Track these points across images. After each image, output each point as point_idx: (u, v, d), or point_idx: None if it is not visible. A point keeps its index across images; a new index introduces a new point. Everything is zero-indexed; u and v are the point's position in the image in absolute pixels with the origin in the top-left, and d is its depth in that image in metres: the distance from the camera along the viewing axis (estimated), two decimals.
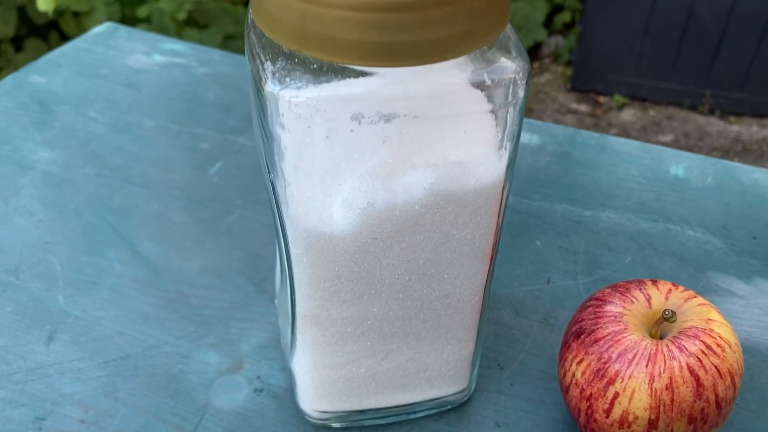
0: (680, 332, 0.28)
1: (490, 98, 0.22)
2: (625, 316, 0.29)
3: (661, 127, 1.79)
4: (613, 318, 0.29)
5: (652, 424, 0.27)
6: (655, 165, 0.50)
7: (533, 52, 2.04)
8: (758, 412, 0.34)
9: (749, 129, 1.79)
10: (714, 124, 1.80)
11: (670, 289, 0.30)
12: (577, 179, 0.49)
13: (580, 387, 0.29)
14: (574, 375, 0.29)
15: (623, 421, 0.28)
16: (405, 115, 0.22)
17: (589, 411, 0.29)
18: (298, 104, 0.21)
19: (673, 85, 1.82)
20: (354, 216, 0.24)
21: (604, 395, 0.28)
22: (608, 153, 0.51)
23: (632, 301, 0.29)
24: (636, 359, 0.27)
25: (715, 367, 0.27)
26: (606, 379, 0.28)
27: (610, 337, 0.28)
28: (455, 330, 0.30)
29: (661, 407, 0.27)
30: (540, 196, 0.47)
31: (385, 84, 0.21)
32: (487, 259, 0.28)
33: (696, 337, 0.27)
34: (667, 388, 0.27)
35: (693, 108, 1.84)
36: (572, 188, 0.48)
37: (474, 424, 0.33)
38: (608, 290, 0.30)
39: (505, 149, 0.25)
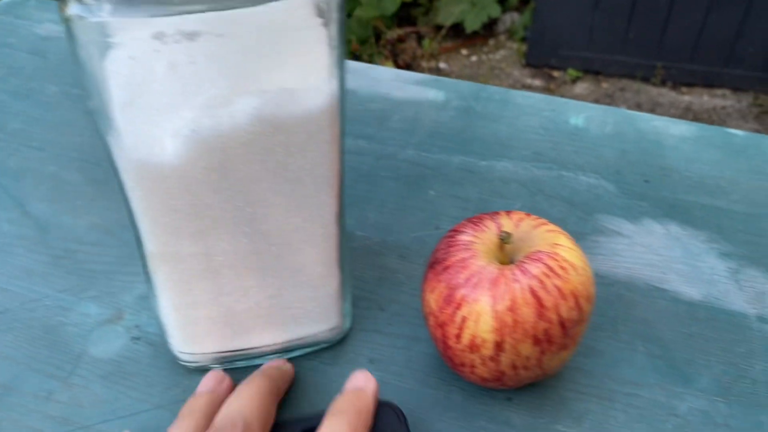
0: (526, 257, 0.29)
1: (298, 16, 0.23)
2: (475, 244, 0.29)
3: (613, 99, 1.81)
4: (463, 246, 0.29)
5: (499, 346, 0.28)
6: (556, 116, 0.51)
7: (488, 29, 2.04)
8: (630, 343, 0.35)
9: (700, 99, 1.81)
10: (666, 94, 1.82)
11: (522, 218, 0.30)
12: (477, 132, 0.49)
13: (435, 315, 0.29)
14: (429, 304, 0.30)
15: (473, 346, 0.28)
16: (209, 34, 0.22)
17: (444, 338, 0.29)
18: (99, 25, 0.21)
19: (625, 57, 1.83)
20: (181, 145, 0.24)
21: (454, 321, 0.28)
22: (511, 106, 0.52)
23: (483, 230, 0.30)
24: (480, 283, 0.28)
25: (558, 288, 0.28)
26: (454, 305, 0.28)
27: (458, 264, 0.29)
28: (313, 266, 0.30)
29: (505, 329, 0.27)
30: (439, 149, 0.48)
31: (184, 1, 0.21)
32: (332, 190, 0.28)
33: (539, 260, 0.28)
34: (509, 310, 0.27)
35: (645, 80, 1.86)
36: (472, 141, 0.48)
37: (348, 361, 0.34)
38: (465, 222, 0.31)
39: (334, 77, 0.25)
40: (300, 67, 0.24)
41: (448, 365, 0.31)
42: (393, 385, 0.33)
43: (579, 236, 0.41)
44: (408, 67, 1.92)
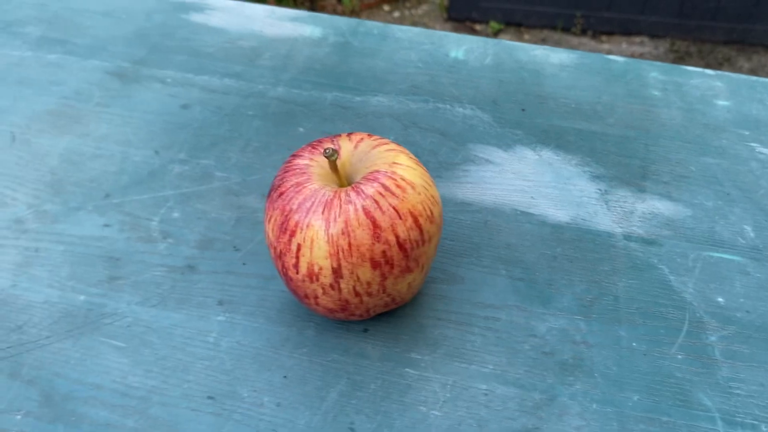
0: (363, 177, 0.27)
1: None
2: (311, 167, 0.27)
3: None
4: (299, 171, 0.27)
5: (337, 272, 0.26)
6: (435, 50, 0.49)
7: None
8: (492, 268, 0.34)
9: (619, 47, 1.83)
10: (586, 44, 1.84)
11: (362, 138, 0.28)
12: (353, 67, 0.47)
13: (273, 246, 0.27)
14: (268, 235, 0.28)
15: (311, 274, 0.27)
16: None
17: (284, 269, 0.27)
18: None
19: (545, 8, 1.84)
20: None
21: (290, 249, 0.27)
22: (390, 41, 0.50)
23: (321, 153, 0.28)
24: (313, 207, 0.26)
25: (393, 207, 0.26)
26: (288, 232, 0.26)
27: (292, 189, 0.27)
28: None
29: (341, 253, 0.26)
30: (311, 86, 0.45)
31: None
32: None
33: (375, 180, 0.26)
34: (343, 233, 0.26)
35: (566, 29, 1.87)
36: (347, 76, 0.46)
37: (197, 304, 0.32)
38: (305, 146, 0.29)
39: None
40: None
41: (297, 300, 0.30)
42: (242, 326, 0.31)
43: (449, 166, 0.40)
44: None
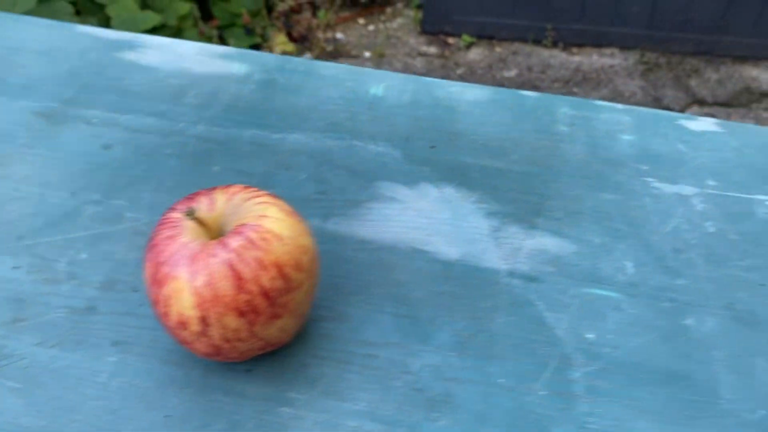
0: (231, 231, 0.29)
1: None
2: (184, 221, 0.29)
3: (506, 63, 1.83)
4: (171, 224, 0.29)
5: (204, 321, 0.28)
6: (358, 87, 0.51)
7: None
8: (379, 306, 0.36)
9: (590, 59, 1.86)
10: (557, 56, 1.86)
11: (237, 192, 0.30)
12: (276, 105, 0.49)
13: (148, 294, 0.29)
14: (145, 284, 0.29)
15: (181, 323, 0.28)
16: None
17: (159, 317, 0.29)
18: None
19: (516, 21, 1.86)
20: None
21: (160, 299, 0.28)
22: (314, 78, 0.52)
23: (196, 206, 0.30)
24: (181, 260, 0.28)
25: (257, 260, 0.28)
26: (158, 283, 0.28)
27: (163, 242, 0.29)
28: None
29: (206, 304, 0.28)
30: (232, 124, 0.47)
31: None
32: None
33: (241, 233, 0.28)
34: (207, 285, 0.28)
35: (538, 42, 1.90)
36: (268, 114, 0.48)
37: (91, 345, 0.33)
38: (183, 199, 0.31)
39: None
40: None
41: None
42: (133, 366, 0.33)
43: (354, 204, 0.41)
44: (303, 39, 1.90)
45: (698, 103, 1.73)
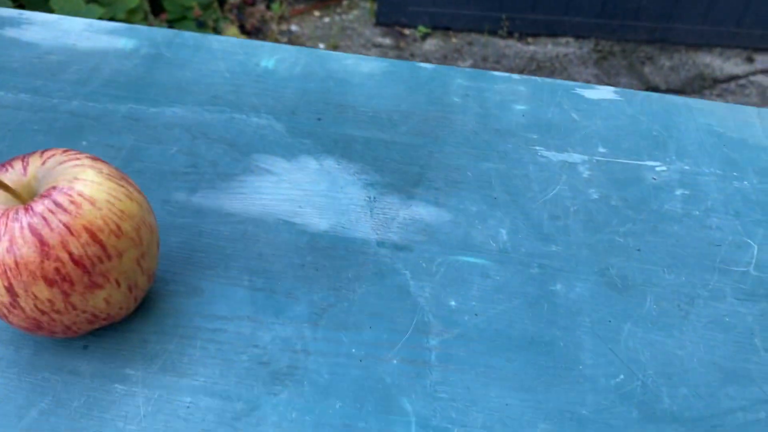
0: (39, 195, 0.27)
1: None
2: None
3: (461, 53, 1.83)
4: None
5: (11, 291, 0.26)
6: (248, 59, 0.50)
7: None
8: (236, 279, 0.34)
9: (544, 48, 1.86)
10: (512, 46, 1.86)
11: (53, 155, 0.28)
12: (158, 79, 0.47)
13: None
14: None
15: None
16: None
17: None
18: None
19: (471, 11, 1.85)
20: None
21: None
22: (203, 51, 0.50)
23: (7, 170, 0.28)
24: None
25: (64, 224, 0.26)
26: None
27: None
28: None
29: (10, 272, 0.26)
30: (108, 99, 0.45)
31: None
32: None
33: (48, 196, 0.26)
34: (8, 252, 0.26)
35: (493, 32, 1.89)
36: (149, 88, 0.46)
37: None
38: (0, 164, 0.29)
39: None
40: None
41: None
42: None
43: (226, 177, 0.40)
44: (258, 31, 1.87)
45: (652, 90, 1.74)
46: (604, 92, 0.48)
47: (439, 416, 0.29)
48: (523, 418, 0.29)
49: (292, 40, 1.86)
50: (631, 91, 0.49)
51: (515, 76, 0.50)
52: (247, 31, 1.85)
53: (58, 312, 0.27)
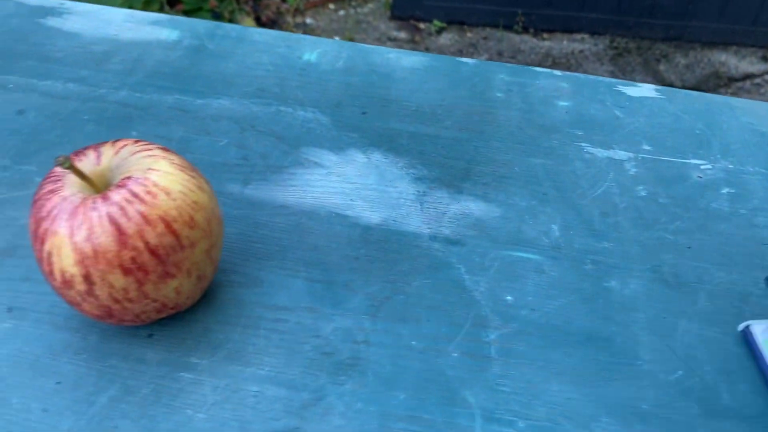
0: (115, 185, 0.27)
1: None
2: (68, 175, 0.28)
3: (477, 48, 1.82)
4: (55, 178, 0.27)
5: (88, 279, 0.27)
6: (290, 53, 0.50)
7: None
8: (293, 270, 0.34)
9: (560, 44, 1.85)
10: (528, 41, 1.86)
11: (125, 145, 0.29)
12: (203, 71, 0.47)
13: (34, 253, 0.28)
14: (31, 244, 0.28)
15: (65, 282, 0.27)
16: None
17: (45, 276, 0.28)
18: None
19: (487, 6, 1.85)
20: None
21: (43, 257, 0.27)
22: (245, 44, 0.50)
23: (81, 159, 0.28)
24: (59, 215, 0.26)
25: (141, 214, 0.26)
26: (39, 240, 0.27)
27: (44, 195, 0.27)
28: None
29: (87, 260, 0.26)
30: (154, 89, 0.45)
31: None
32: None
33: (124, 186, 0.27)
34: (87, 240, 0.26)
35: (508, 27, 1.89)
36: (195, 79, 0.47)
37: None
38: (72, 154, 0.29)
39: None
40: None
41: None
42: (26, 333, 0.31)
43: (276, 169, 0.40)
44: (273, 23, 1.87)
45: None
46: (646, 90, 0.49)
47: (502, 409, 0.29)
48: (586, 412, 0.29)
49: (307, 32, 1.86)
50: (672, 89, 0.49)
51: (557, 72, 0.50)
52: (262, 23, 1.85)
53: (130, 301, 0.28)
